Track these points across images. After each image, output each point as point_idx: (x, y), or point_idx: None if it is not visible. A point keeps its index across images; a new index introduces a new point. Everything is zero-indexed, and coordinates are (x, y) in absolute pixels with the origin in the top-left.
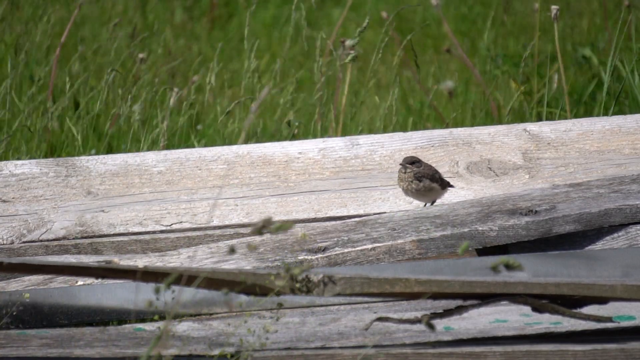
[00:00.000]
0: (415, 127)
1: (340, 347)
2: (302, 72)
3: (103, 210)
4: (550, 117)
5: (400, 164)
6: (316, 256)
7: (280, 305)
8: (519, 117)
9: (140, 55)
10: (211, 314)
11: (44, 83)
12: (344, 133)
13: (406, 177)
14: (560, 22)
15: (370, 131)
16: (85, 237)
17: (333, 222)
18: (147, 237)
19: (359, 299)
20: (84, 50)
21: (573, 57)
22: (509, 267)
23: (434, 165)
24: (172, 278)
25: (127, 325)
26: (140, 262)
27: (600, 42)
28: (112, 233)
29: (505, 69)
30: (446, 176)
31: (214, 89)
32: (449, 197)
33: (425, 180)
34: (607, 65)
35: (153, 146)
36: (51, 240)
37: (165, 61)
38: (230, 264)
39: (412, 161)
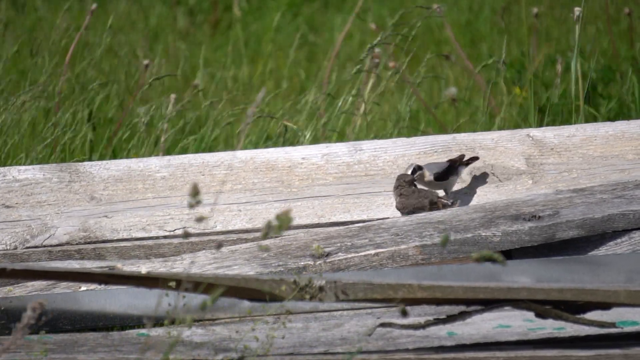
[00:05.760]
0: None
1: (344, 353)
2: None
3: (106, 216)
4: (553, 123)
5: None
6: (319, 262)
7: (288, 312)
8: (522, 122)
9: (145, 62)
10: (214, 319)
11: (53, 90)
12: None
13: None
14: (564, 27)
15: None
16: (89, 243)
17: (336, 228)
18: (150, 242)
19: (362, 304)
20: (89, 56)
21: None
22: (492, 260)
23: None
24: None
25: (130, 331)
26: (144, 267)
27: (605, 48)
28: (115, 238)
29: (508, 74)
30: None
31: (214, 95)
32: None
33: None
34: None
35: (155, 151)
36: (54, 245)
37: (167, 66)
38: (234, 270)
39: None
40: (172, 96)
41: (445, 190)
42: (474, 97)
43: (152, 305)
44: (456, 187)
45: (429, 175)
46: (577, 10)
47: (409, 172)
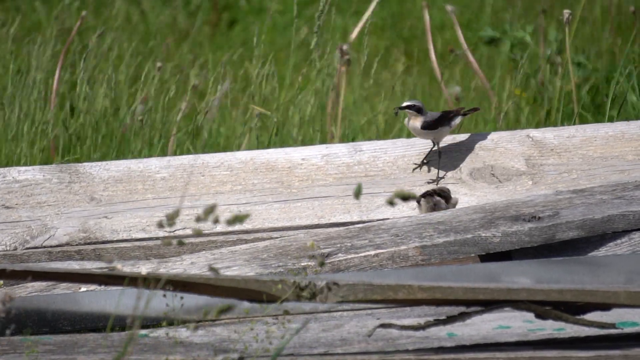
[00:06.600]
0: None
1: (343, 354)
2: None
3: (106, 217)
4: (552, 123)
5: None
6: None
7: (286, 313)
8: (522, 122)
9: (158, 64)
10: (214, 320)
11: (48, 88)
12: (344, 139)
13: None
14: (564, 28)
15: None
16: (89, 243)
17: (336, 229)
18: (150, 243)
19: (362, 305)
20: (87, 56)
21: (575, 62)
22: (405, 198)
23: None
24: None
25: (130, 332)
26: (144, 268)
27: (604, 48)
28: (115, 239)
29: (509, 73)
30: (449, 182)
31: (215, 97)
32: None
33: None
34: (610, 71)
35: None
36: (54, 246)
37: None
38: (234, 271)
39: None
40: (185, 103)
41: (434, 141)
42: (476, 96)
43: (153, 305)
44: (456, 187)
45: (418, 123)
46: (566, 12)
47: (404, 105)
